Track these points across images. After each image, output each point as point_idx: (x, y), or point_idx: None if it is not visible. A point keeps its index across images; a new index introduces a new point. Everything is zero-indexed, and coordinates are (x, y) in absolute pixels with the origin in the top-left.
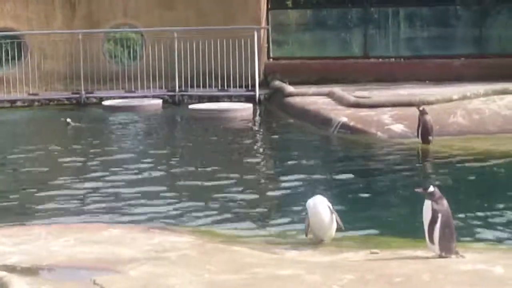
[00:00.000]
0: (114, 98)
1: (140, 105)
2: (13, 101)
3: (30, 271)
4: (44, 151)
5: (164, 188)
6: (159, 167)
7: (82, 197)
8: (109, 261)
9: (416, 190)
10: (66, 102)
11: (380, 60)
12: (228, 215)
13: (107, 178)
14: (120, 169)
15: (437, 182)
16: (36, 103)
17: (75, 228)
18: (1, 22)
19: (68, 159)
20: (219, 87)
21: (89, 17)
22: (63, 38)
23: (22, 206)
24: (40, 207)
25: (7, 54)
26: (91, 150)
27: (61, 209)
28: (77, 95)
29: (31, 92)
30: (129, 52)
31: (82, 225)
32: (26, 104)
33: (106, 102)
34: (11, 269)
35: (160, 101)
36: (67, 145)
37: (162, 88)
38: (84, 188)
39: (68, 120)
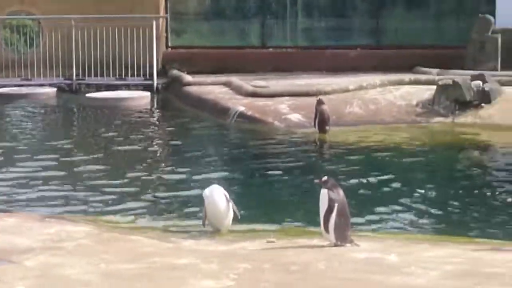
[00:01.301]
0: (9, 86)
1: (33, 93)
2: None
3: None
4: None
5: (59, 177)
6: (52, 156)
7: None
8: (4, 250)
9: (316, 181)
10: None
11: (278, 50)
12: (125, 205)
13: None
14: (13, 157)
15: (333, 172)
16: None
17: None
18: None
19: None
20: (117, 76)
21: None
22: None
23: None
24: None
25: None
26: None
27: None
28: None
29: None
30: (25, 40)
31: None
32: None
33: None
34: None
35: (54, 90)
36: None
37: (59, 76)
38: None
39: None
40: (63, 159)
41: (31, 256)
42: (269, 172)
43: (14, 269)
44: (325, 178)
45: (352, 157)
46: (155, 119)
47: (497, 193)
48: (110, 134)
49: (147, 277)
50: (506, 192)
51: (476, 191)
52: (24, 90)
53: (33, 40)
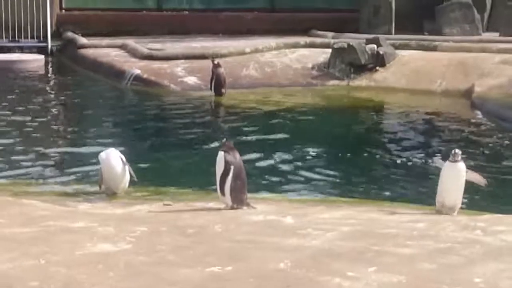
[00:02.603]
0: None
1: None
2: None
3: None
4: None
5: None
6: None
7: None
8: None
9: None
10: None
11: (174, 12)
12: (18, 168)
13: None
14: None
15: (229, 134)
16: None
17: None
18: None
19: None
20: (10, 38)
21: None
22: None
23: None
24: None
25: None
26: None
27: None
28: None
29: None
30: None
31: None
32: None
33: None
34: None
35: None
36: None
37: None
38: None
39: None
40: None
41: None
42: (166, 135)
43: None
44: (223, 140)
45: (247, 120)
46: (48, 82)
47: (390, 155)
48: (3, 97)
49: (42, 240)
50: (398, 152)
51: (370, 153)
52: None
53: None
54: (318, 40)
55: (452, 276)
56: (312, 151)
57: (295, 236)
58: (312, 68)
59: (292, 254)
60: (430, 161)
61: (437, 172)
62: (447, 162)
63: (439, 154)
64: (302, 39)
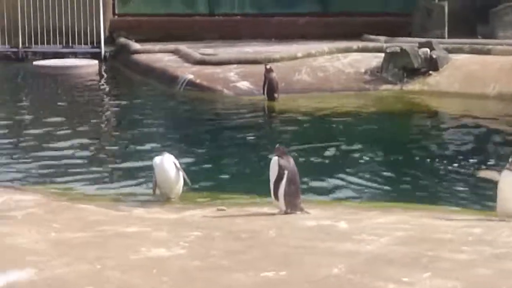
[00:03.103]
0: None
1: None
2: None
3: None
4: None
5: (4, 145)
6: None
7: None
8: None
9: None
10: None
11: (226, 17)
12: (74, 174)
13: None
14: None
15: (282, 139)
16: None
17: None
18: None
19: None
20: (64, 44)
21: None
22: None
23: None
24: None
25: None
26: None
27: None
28: None
29: None
30: None
31: None
32: None
33: None
34: None
35: None
36: None
37: (5, 44)
38: None
39: None
40: (13, 128)
41: None
42: (219, 140)
43: None
44: (276, 145)
45: (301, 125)
46: (102, 87)
47: (444, 160)
48: (59, 103)
49: (97, 245)
50: (452, 157)
51: (424, 158)
52: None
53: None
54: (370, 44)
55: (508, 281)
56: (365, 156)
57: (349, 241)
58: (365, 72)
59: (346, 260)
60: (484, 167)
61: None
62: (505, 170)
63: (493, 160)
64: (355, 44)
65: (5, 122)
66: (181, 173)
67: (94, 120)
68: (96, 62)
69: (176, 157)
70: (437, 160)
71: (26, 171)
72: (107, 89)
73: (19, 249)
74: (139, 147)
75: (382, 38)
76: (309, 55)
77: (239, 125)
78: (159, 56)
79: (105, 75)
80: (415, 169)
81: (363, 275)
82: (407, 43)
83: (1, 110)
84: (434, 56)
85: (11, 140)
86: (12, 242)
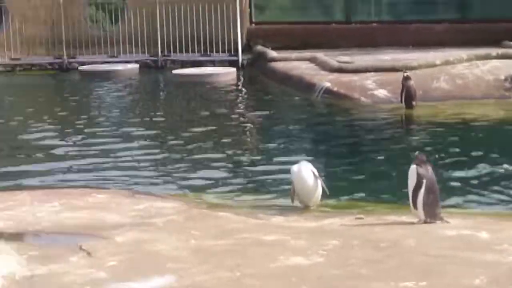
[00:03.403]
0: (96, 63)
1: (117, 70)
2: None
3: (16, 236)
4: (25, 116)
5: (147, 153)
6: (144, 133)
7: (66, 162)
8: (95, 226)
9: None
10: (48, 67)
11: (362, 25)
12: (213, 181)
13: (88, 143)
14: (103, 134)
15: (420, 147)
16: (18, 68)
17: (60, 193)
18: None
19: (51, 126)
20: (202, 52)
21: None
22: (44, 3)
23: (5, 171)
24: (23, 172)
25: None
26: (71, 117)
27: (46, 174)
28: (59, 60)
29: (13, 57)
30: (111, 17)
31: (67, 190)
32: (8, 69)
33: (82, 68)
34: None
35: (137, 66)
36: (47, 111)
37: (144, 53)
38: (67, 153)
39: None
40: (155, 138)
41: (122, 232)
42: (357, 148)
43: (105, 245)
44: (416, 153)
45: (439, 132)
46: (242, 95)
47: None
48: (200, 111)
49: (236, 253)
50: None
51: None
52: (110, 67)
53: (118, 17)
54: (511, 51)
55: None
56: (507, 164)
57: (490, 251)
58: (505, 80)
59: (488, 270)
60: None
61: None
62: None
63: None
64: (494, 50)
65: (148, 132)
66: (319, 181)
67: (233, 128)
68: (234, 70)
69: (314, 165)
70: None
71: (166, 179)
72: (245, 96)
73: (159, 256)
74: (277, 155)
75: None
76: (447, 63)
77: (377, 134)
78: (296, 64)
79: (243, 83)
80: None
81: (505, 286)
82: None
83: (143, 118)
84: None
85: (151, 148)
86: (153, 249)
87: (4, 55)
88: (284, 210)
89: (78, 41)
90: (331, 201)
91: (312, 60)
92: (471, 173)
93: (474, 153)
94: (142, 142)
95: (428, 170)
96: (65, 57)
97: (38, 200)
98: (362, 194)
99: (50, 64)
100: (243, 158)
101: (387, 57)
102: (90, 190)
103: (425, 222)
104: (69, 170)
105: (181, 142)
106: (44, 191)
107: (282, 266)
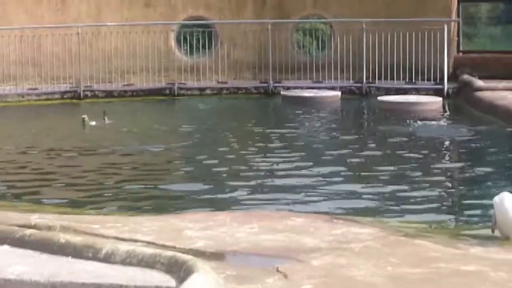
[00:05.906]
0: (300, 88)
1: (319, 96)
2: (202, 89)
3: (214, 255)
4: (229, 139)
5: (348, 179)
6: (347, 160)
7: (262, 186)
8: (292, 249)
9: None
10: (253, 91)
11: None
12: (410, 207)
13: (289, 168)
14: (301, 158)
15: None
16: (225, 91)
17: (259, 216)
18: (194, 11)
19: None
20: (406, 80)
21: (279, 7)
22: (252, 28)
23: (208, 193)
24: (224, 195)
25: (198, 43)
26: (273, 144)
27: (243, 197)
28: (265, 84)
29: (220, 80)
30: (317, 43)
31: (266, 213)
32: (215, 92)
33: (284, 92)
34: (197, 253)
35: (339, 93)
36: (256, 136)
37: (349, 79)
38: (267, 177)
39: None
40: (351, 166)
41: (318, 256)
42: None
43: (301, 268)
44: None
45: None
46: (447, 125)
47: None
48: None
49: (433, 282)
50: None
51: None
52: (308, 93)
53: (324, 43)
54: None
55: None
56: None
57: None
58: None
59: None
60: None
61: None
62: None
63: None
64: None
65: (350, 159)
66: None
67: (436, 156)
68: (439, 99)
69: None
70: None
71: (363, 203)
72: (451, 126)
73: (355, 281)
74: (479, 184)
75: None
76: None
77: None
78: (503, 93)
79: (448, 112)
80: None
81: None
82: None
83: (347, 145)
84: None
85: (353, 174)
86: (348, 274)
87: (212, 78)
88: (484, 240)
89: (284, 66)
90: None
91: None
92: None
93: None
94: (341, 170)
95: None
96: (270, 81)
97: (237, 221)
98: None
99: (256, 88)
100: (444, 186)
101: None
102: (289, 213)
103: None
104: (264, 191)
105: (380, 170)
106: (243, 213)
107: None
